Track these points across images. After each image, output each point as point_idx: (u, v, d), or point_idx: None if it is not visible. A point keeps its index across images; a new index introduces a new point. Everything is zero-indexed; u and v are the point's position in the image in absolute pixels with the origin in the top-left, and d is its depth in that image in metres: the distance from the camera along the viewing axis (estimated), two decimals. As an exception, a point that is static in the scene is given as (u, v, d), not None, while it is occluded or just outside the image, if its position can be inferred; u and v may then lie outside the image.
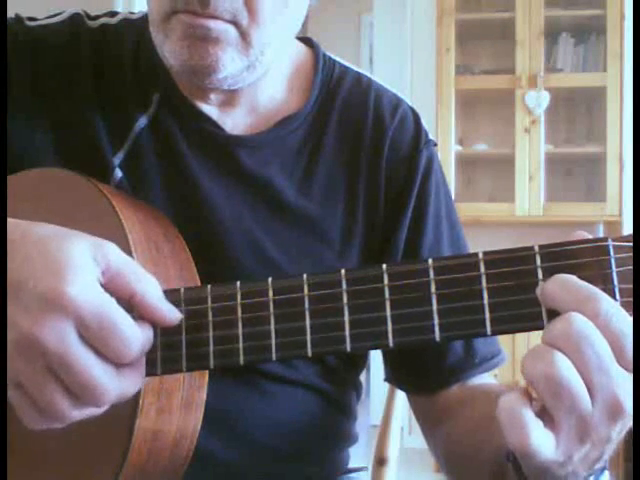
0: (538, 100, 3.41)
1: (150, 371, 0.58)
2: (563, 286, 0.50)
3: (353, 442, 0.92)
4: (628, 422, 0.51)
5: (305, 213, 0.80)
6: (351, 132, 0.84)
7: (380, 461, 1.03)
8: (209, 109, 0.80)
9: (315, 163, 0.82)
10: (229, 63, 0.70)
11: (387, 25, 3.99)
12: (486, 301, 0.52)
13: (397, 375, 0.87)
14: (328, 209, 0.81)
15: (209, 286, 0.59)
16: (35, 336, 0.52)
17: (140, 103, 0.80)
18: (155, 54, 0.76)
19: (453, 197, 0.90)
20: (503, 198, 3.55)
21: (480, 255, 0.53)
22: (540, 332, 0.51)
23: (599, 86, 3.42)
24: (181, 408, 0.66)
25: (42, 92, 0.79)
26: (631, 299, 0.50)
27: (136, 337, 0.55)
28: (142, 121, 0.80)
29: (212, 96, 0.79)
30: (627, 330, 0.49)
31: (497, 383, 0.85)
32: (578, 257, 0.51)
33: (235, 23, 0.69)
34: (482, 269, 0.52)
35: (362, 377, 0.94)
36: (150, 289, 0.57)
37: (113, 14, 0.85)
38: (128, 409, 0.61)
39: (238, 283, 0.58)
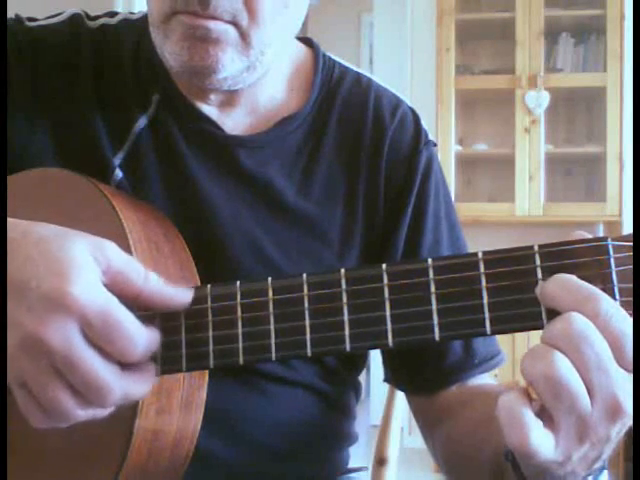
0: (538, 100, 3.41)
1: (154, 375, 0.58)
2: (563, 286, 0.50)
3: (353, 442, 0.92)
4: (627, 422, 0.51)
5: (305, 213, 0.80)
6: (351, 132, 0.84)
7: (380, 461, 1.03)
8: (209, 109, 0.80)
9: (315, 163, 0.82)
10: (229, 64, 0.70)
11: (387, 25, 3.99)
12: (486, 301, 0.52)
13: (396, 376, 0.87)
14: (328, 209, 0.81)
15: (209, 286, 0.59)
16: (39, 336, 0.52)
17: (140, 103, 0.80)
18: (155, 54, 0.76)
19: (453, 197, 0.90)
20: (503, 198, 3.55)
21: (480, 255, 0.53)
22: (540, 332, 0.51)
23: (599, 86, 3.42)
24: (181, 408, 0.66)
25: (42, 92, 0.79)
26: (631, 298, 0.50)
27: (141, 336, 0.55)
28: (142, 121, 0.80)
29: (212, 96, 0.79)
30: (627, 330, 0.49)
31: (496, 383, 0.85)
32: (577, 257, 0.51)
33: (235, 24, 0.69)
34: (482, 269, 0.52)
35: (362, 377, 0.94)
36: (152, 281, 0.57)
37: (113, 14, 0.85)
38: (128, 409, 0.61)
39: (238, 283, 0.58)
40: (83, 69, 0.80)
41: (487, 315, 0.52)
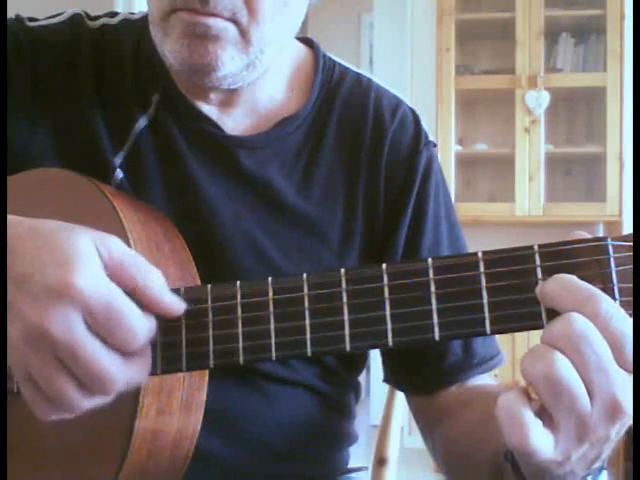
0: (538, 100, 3.41)
1: (150, 371, 0.58)
2: (563, 286, 0.50)
3: (353, 442, 0.92)
4: (627, 422, 0.51)
5: (304, 214, 0.80)
6: (351, 133, 0.84)
7: (380, 461, 1.03)
8: (209, 109, 0.80)
9: (315, 164, 0.82)
10: (228, 61, 0.70)
11: (387, 25, 3.99)
12: (485, 300, 0.52)
13: (396, 376, 0.87)
14: (327, 209, 0.81)
15: (209, 286, 0.59)
16: (44, 327, 0.53)
17: (140, 104, 0.80)
18: (155, 54, 0.76)
19: (453, 197, 0.90)
20: (503, 198, 3.55)
21: (479, 254, 0.53)
22: (540, 332, 0.51)
23: (599, 86, 3.42)
24: (181, 408, 0.66)
25: (42, 92, 0.79)
26: (630, 298, 0.50)
27: (142, 326, 0.55)
28: (142, 122, 0.80)
29: (212, 96, 0.79)
30: (627, 330, 0.49)
31: (496, 383, 0.85)
32: (577, 256, 0.51)
33: (235, 21, 0.69)
34: (481, 268, 0.52)
35: (362, 377, 0.94)
36: (152, 281, 0.57)
37: (113, 14, 0.86)
38: (128, 409, 0.61)
39: (238, 282, 0.58)
40: (83, 69, 0.80)
41: (487, 315, 0.52)
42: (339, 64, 0.88)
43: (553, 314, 0.50)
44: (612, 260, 0.50)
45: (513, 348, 2.93)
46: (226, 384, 0.75)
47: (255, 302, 0.57)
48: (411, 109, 0.88)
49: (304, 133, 0.83)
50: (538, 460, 0.50)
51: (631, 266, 0.50)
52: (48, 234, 0.56)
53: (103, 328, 0.54)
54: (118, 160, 0.78)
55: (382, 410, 1.06)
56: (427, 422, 0.85)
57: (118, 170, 0.78)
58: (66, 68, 0.80)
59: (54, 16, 0.84)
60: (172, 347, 0.58)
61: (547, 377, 0.48)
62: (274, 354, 0.56)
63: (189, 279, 0.69)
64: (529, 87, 3.42)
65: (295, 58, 0.85)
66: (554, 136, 3.57)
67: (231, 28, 0.69)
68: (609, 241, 0.51)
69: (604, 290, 0.50)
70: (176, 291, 0.59)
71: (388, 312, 0.54)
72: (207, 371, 0.68)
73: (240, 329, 0.57)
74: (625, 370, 0.49)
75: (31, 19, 0.83)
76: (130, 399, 0.59)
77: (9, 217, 0.59)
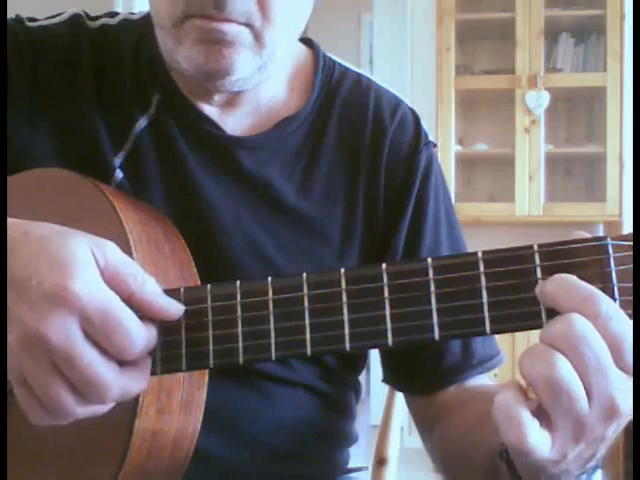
0: (538, 100, 3.40)
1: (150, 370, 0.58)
2: (563, 286, 0.50)
3: (353, 442, 0.92)
4: (623, 422, 0.51)
5: (305, 213, 0.80)
6: (351, 133, 0.84)
7: (380, 461, 1.03)
8: (210, 110, 0.80)
9: (315, 164, 0.82)
10: (243, 65, 0.70)
11: (387, 25, 3.99)
12: (485, 300, 0.52)
13: (395, 376, 0.87)
14: (328, 209, 0.81)
15: (209, 285, 0.59)
16: (40, 332, 0.53)
17: (140, 104, 0.80)
18: (155, 54, 0.76)
19: (453, 197, 0.90)
20: (503, 198, 3.55)
21: (479, 254, 0.53)
22: (539, 331, 0.51)
23: (599, 86, 3.41)
24: (181, 408, 0.66)
25: (42, 93, 0.79)
26: (630, 297, 0.50)
27: (139, 334, 0.55)
28: (142, 122, 0.80)
29: (216, 97, 0.79)
30: (626, 332, 0.48)
31: (495, 384, 0.85)
32: (577, 256, 0.51)
33: (249, 25, 0.69)
34: (481, 268, 0.52)
35: (362, 377, 0.94)
36: (148, 287, 0.57)
37: (113, 14, 0.85)
38: (128, 409, 0.61)
39: (238, 282, 0.58)
40: (83, 69, 0.80)
41: (486, 314, 0.52)
42: (339, 64, 0.88)
43: (553, 314, 0.50)
44: (612, 260, 0.50)
45: (513, 348, 2.93)
46: (226, 384, 0.75)
47: (255, 302, 0.57)
48: (411, 109, 0.88)
49: (304, 133, 0.83)
50: (534, 459, 0.50)
51: (631, 266, 0.50)
52: (43, 238, 0.56)
53: (100, 334, 0.54)
54: (118, 160, 0.78)
55: (382, 410, 1.06)
56: (425, 422, 0.85)
57: (118, 170, 0.78)
58: (66, 68, 0.80)
59: (54, 16, 0.84)
60: (172, 347, 0.58)
61: (547, 378, 0.48)
62: (274, 354, 0.56)
63: (189, 279, 0.69)
64: (529, 87, 3.42)
65: (295, 58, 0.85)
66: (554, 136, 3.56)
67: (245, 32, 0.69)
68: (609, 241, 0.50)
69: (604, 290, 0.50)
70: (176, 291, 0.59)
71: (388, 312, 0.54)
72: (207, 371, 0.68)
73: (240, 329, 0.57)
74: (624, 371, 0.49)
75: (31, 19, 0.83)
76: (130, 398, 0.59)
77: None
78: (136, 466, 0.63)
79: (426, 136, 0.87)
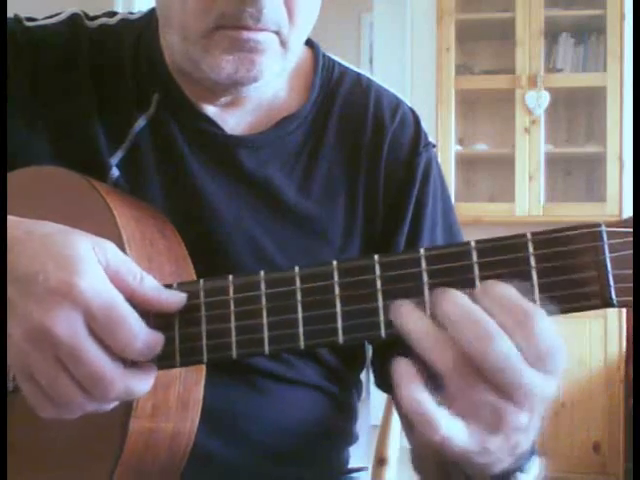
0: (538, 100, 3.40)
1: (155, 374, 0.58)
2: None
3: (353, 442, 0.92)
4: (542, 411, 0.52)
5: (305, 212, 0.80)
6: (351, 132, 0.84)
7: (380, 461, 1.03)
8: (210, 109, 0.80)
9: (315, 163, 0.82)
10: (270, 71, 0.71)
11: (387, 25, 3.98)
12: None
13: (384, 380, 0.87)
14: (328, 209, 0.81)
15: (201, 280, 0.59)
16: (46, 327, 0.53)
17: (139, 103, 0.80)
18: (155, 54, 0.76)
19: (453, 197, 0.90)
20: (503, 198, 3.55)
21: (472, 243, 0.52)
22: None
23: (599, 86, 3.41)
24: (177, 405, 0.66)
25: (40, 92, 0.79)
26: (624, 284, 0.49)
27: (142, 332, 0.55)
28: (141, 121, 0.80)
29: (222, 99, 0.79)
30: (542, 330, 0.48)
31: None
32: (571, 243, 0.50)
33: (278, 32, 0.70)
34: (474, 258, 0.52)
35: (362, 377, 0.94)
36: (147, 283, 0.57)
37: (112, 14, 0.85)
38: (123, 405, 0.61)
39: (230, 277, 0.58)
40: (82, 69, 0.80)
41: None
42: (339, 64, 0.88)
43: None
44: (606, 247, 0.50)
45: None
46: (225, 383, 0.76)
47: (248, 296, 0.57)
48: (411, 109, 0.88)
49: (304, 132, 0.83)
50: (457, 451, 0.50)
51: (625, 252, 0.49)
52: (47, 236, 0.57)
53: (104, 330, 0.54)
54: (115, 159, 0.78)
55: (382, 410, 1.05)
56: (407, 425, 0.85)
57: (114, 168, 0.78)
58: (64, 68, 0.80)
59: (52, 16, 0.84)
60: (165, 343, 0.58)
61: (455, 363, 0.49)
62: (267, 348, 0.56)
63: (185, 275, 0.69)
64: (529, 87, 3.42)
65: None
66: (554, 136, 3.56)
67: (275, 39, 0.70)
68: (603, 227, 0.50)
69: (598, 277, 0.49)
70: (168, 287, 0.59)
71: (381, 304, 0.54)
72: (204, 368, 0.68)
73: (233, 323, 0.57)
74: (534, 365, 0.49)
75: (29, 19, 0.83)
76: None
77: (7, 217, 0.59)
78: (132, 463, 0.63)
79: (426, 137, 0.87)
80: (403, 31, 3.75)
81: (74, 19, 0.83)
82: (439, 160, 0.90)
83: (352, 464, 0.92)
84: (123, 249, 0.63)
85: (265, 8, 0.67)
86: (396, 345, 0.81)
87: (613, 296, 0.49)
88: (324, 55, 0.87)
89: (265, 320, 0.56)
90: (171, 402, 0.65)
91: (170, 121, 0.80)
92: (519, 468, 0.58)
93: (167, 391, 0.65)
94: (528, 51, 3.43)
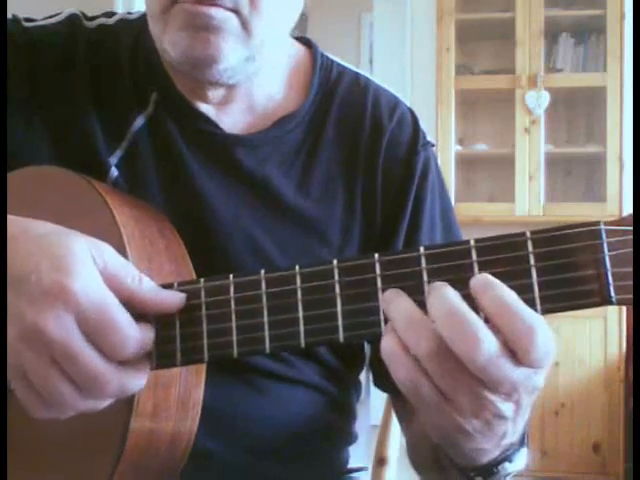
0: (538, 100, 3.40)
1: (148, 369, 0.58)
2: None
3: (353, 441, 0.92)
4: (525, 402, 0.52)
5: (303, 212, 0.81)
6: (349, 131, 0.84)
7: (380, 461, 1.03)
8: (207, 108, 0.80)
9: (313, 162, 0.82)
10: (230, 53, 0.70)
11: (387, 25, 3.98)
12: None
13: (382, 380, 0.87)
14: (326, 208, 0.81)
15: (202, 280, 0.59)
16: (39, 327, 0.53)
17: (138, 103, 0.80)
18: (153, 54, 0.76)
19: (453, 197, 0.90)
20: (503, 198, 3.55)
21: (472, 242, 0.52)
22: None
23: (599, 86, 3.41)
24: (178, 404, 0.66)
25: (39, 93, 0.79)
26: (624, 282, 0.49)
27: (133, 335, 0.55)
28: (140, 121, 0.80)
29: (210, 94, 0.79)
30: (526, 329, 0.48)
31: None
32: (570, 242, 0.50)
33: (236, 11, 0.69)
34: (474, 256, 0.52)
35: (362, 377, 0.94)
36: (145, 284, 0.57)
37: (110, 14, 0.85)
38: (124, 404, 0.61)
39: (231, 276, 0.58)
40: (80, 69, 0.80)
41: None
42: (337, 63, 0.88)
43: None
44: (605, 245, 0.50)
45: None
46: (225, 382, 0.76)
47: (248, 295, 0.57)
48: (409, 109, 0.88)
49: (302, 131, 0.83)
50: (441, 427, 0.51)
51: (624, 250, 0.49)
52: (42, 236, 0.57)
53: (95, 332, 0.54)
54: (114, 159, 0.78)
55: (382, 410, 1.05)
56: (404, 422, 0.86)
57: (113, 168, 0.78)
58: (62, 68, 0.80)
59: (51, 16, 0.84)
60: (166, 342, 0.58)
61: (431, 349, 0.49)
62: (268, 346, 0.56)
63: (184, 275, 0.69)
64: (529, 87, 3.42)
65: (293, 57, 0.85)
66: (554, 136, 3.56)
67: (233, 19, 0.69)
68: (602, 226, 0.50)
69: (597, 275, 0.49)
70: (169, 286, 0.59)
71: (381, 302, 0.54)
72: (204, 368, 0.68)
73: (234, 322, 0.57)
74: (522, 364, 0.49)
75: (28, 19, 0.83)
76: None
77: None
78: (133, 462, 0.63)
79: (424, 136, 0.87)
80: (403, 31, 3.75)
81: (72, 19, 0.83)
82: (439, 160, 0.90)
83: (352, 464, 0.92)
84: (123, 248, 0.64)
85: None
86: None
87: (612, 294, 0.49)
88: (322, 55, 0.87)
89: (266, 319, 0.56)
90: (171, 402, 0.65)
91: (168, 120, 0.80)
92: (507, 458, 0.59)
93: (168, 391, 0.65)
94: (528, 51, 3.43)
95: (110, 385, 0.55)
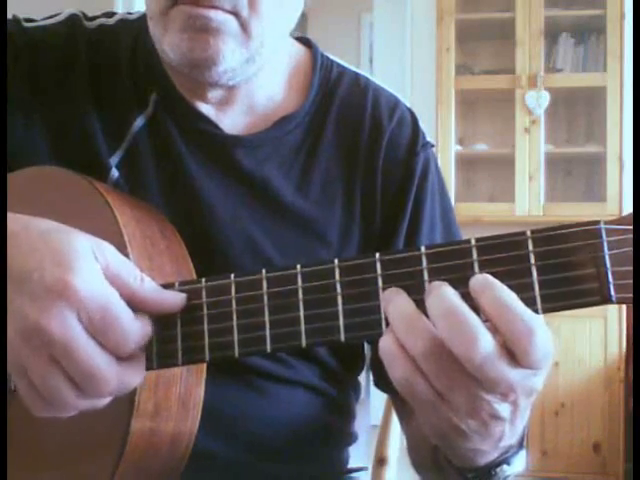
0: (538, 100, 3.40)
1: (146, 365, 0.58)
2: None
3: (353, 442, 0.92)
4: (523, 404, 0.52)
5: (302, 212, 0.80)
6: (349, 132, 0.84)
7: (380, 461, 1.03)
8: (207, 109, 0.80)
9: (313, 163, 0.82)
10: (229, 55, 0.70)
11: (387, 25, 3.98)
12: None
13: (383, 380, 0.87)
14: (326, 209, 0.81)
15: (203, 279, 0.59)
16: (41, 324, 0.53)
17: (138, 103, 0.80)
18: (152, 54, 0.76)
19: (453, 197, 0.90)
20: (503, 198, 3.55)
21: (472, 241, 0.52)
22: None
23: (599, 86, 3.41)
24: (178, 404, 0.66)
25: (39, 93, 0.79)
26: (624, 281, 0.49)
27: (135, 331, 0.55)
28: (139, 121, 0.80)
29: (209, 95, 0.79)
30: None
31: None
32: (570, 241, 0.50)
33: (235, 14, 0.69)
34: (474, 255, 0.52)
35: (362, 377, 0.94)
36: (146, 284, 0.57)
37: (110, 15, 0.85)
38: (125, 404, 0.61)
39: (232, 275, 0.58)
40: (80, 69, 0.80)
41: None
42: (337, 63, 0.88)
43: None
44: (605, 244, 0.50)
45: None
46: (225, 383, 0.76)
47: (249, 295, 0.57)
48: (409, 109, 0.88)
49: (302, 132, 0.82)
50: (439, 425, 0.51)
51: (624, 249, 0.49)
52: (44, 233, 0.56)
53: (97, 329, 0.54)
54: (114, 160, 0.78)
55: (382, 410, 1.05)
56: (403, 423, 0.86)
57: (114, 169, 0.78)
58: (62, 69, 0.80)
59: (52, 16, 0.84)
60: (167, 341, 0.58)
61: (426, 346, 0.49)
62: (269, 346, 0.56)
63: (185, 275, 0.69)
64: (529, 87, 3.42)
65: (293, 58, 0.85)
66: (554, 136, 3.56)
67: (232, 21, 0.69)
68: (602, 225, 0.50)
69: (597, 274, 0.49)
70: (170, 286, 0.59)
71: (382, 302, 0.54)
72: (205, 368, 0.68)
73: (235, 322, 0.57)
74: (521, 366, 0.48)
75: (28, 20, 0.83)
76: (127, 394, 0.59)
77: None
78: (134, 462, 0.63)
79: (424, 137, 0.86)
80: (403, 31, 3.75)
81: (73, 20, 0.83)
82: (439, 160, 0.90)
83: (352, 464, 0.92)
84: (124, 248, 0.64)
85: None
86: None
87: (612, 293, 0.49)
88: (322, 55, 0.87)
89: (267, 318, 0.56)
90: (172, 402, 0.65)
91: (168, 121, 0.80)
92: (505, 461, 0.59)
93: (168, 391, 0.65)
94: (528, 51, 3.43)
95: (110, 384, 0.55)
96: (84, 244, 0.56)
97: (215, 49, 0.69)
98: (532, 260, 0.51)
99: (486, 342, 0.48)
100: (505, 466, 0.59)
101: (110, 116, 0.79)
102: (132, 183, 0.78)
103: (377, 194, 0.83)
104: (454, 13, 3.49)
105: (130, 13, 0.86)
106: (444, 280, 0.52)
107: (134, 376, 0.57)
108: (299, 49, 0.87)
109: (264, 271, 0.57)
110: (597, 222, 0.50)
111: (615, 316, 3.16)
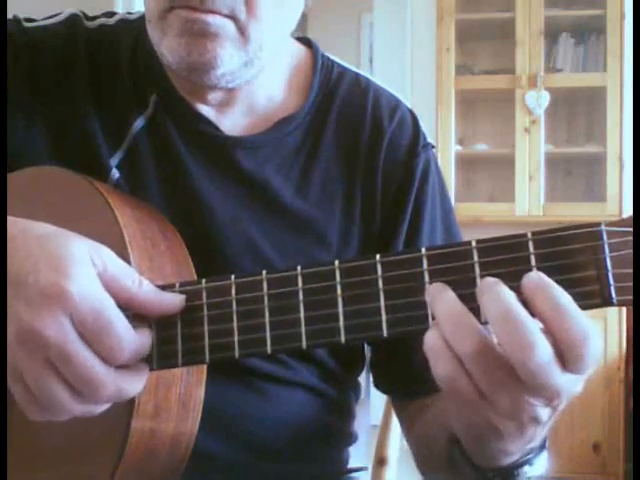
0: (538, 100, 3.40)
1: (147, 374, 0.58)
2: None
3: (353, 442, 0.92)
4: (561, 406, 0.52)
5: (302, 214, 0.80)
6: (349, 133, 0.83)
7: (380, 461, 1.03)
8: (207, 110, 0.80)
9: (313, 164, 0.82)
10: (228, 59, 0.70)
11: (387, 25, 3.98)
12: None
13: (383, 382, 0.87)
14: (325, 210, 0.81)
15: (204, 280, 0.59)
16: (36, 329, 0.53)
17: (138, 104, 0.80)
18: (153, 55, 0.76)
19: (453, 197, 0.90)
20: (503, 198, 3.54)
21: (473, 243, 0.52)
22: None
23: (599, 86, 3.41)
24: (178, 405, 0.66)
25: (39, 93, 0.79)
26: (624, 284, 0.49)
27: (129, 339, 0.55)
28: (139, 122, 0.79)
29: (209, 96, 0.79)
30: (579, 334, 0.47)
31: None
32: (571, 243, 0.50)
33: (233, 18, 0.69)
34: (475, 257, 0.52)
35: (362, 377, 0.94)
36: (145, 287, 0.57)
37: (111, 14, 0.85)
38: (125, 406, 0.61)
39: (232, 277, 0.58)
40: (80, 70, 0.80)
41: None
42: (338, 64, 0.88)
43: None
44: (606, 246, 0.50)
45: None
46: (225, 384, 0.75)
47: (250, 296, 0.57)
48: (409, 110, 0.88)
49: (302, 133, 0.82)
50: (470, 421, 0.51)
51: (625, 251, 0.49)
52: (42, 237, 0.57)
53: (90, 335, 0.54)
54: (115, 160, 0.78)
55: (382, 410, 1.05)
56: (407, 422, 0.86)
57: (114, 170, 0.78)
58: (63, 69, 0.80)
59: (52, 16, 0.84)
60: (168, 342, 0.58)
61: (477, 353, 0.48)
62: (269, 348, 0.56)
63: (186, 276, 0.69)
64: (529, 87, 3.41)
65: (293, 58, 0.85)
66: (554, 136, 3.56)
67: (230, 25, 0.69)
68: (603, 227, 0.50)
69: (598, 276, 0.49)
70: (170, 287, 0.59)
71: (382, 303, 0.54)
72: (205, 369, 0.68)
73: (235, 323, 0.57)
74: (568, 369, 0.48)
75: (28, 20, 0.83)
76: None
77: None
78: (134, 463, 0.63)
79: (424, 138, 0.86)
80: (403, 31, 3.75)
81: (73, 19, 0.83)
82: (439, 160, 0.90)
83: (352, 464, 0.92)
84: (125, 249, 0.64)
85: None
86: (396, 345, 0.82)
87: (613, 295, 0.49)
88: (323, 55, 0.87)
89: (267, 320, 0.56)
90: (172, 402, 0.65)
91: (168, 122, 0.80)
92: (528, 462, 0.59)
93: (168, 392, 0.65)
94: (528, 51, 3.43)
95: (106, 389, 0.55)
96: (81, 249, 0.56)
97: (213, 53, 0.69)
98: (533, 262, 0.51)
99: (544, 349, 0.47)
100: (527, 467, 0.59)
101: (110, 116, 0.79)
102: (132, 184, 0.78)
103: (377, 195, 0.83)
104: (454, 13, 3.49)
105: (130, 13, 0.86)
106: (445, 282, 0.52)
107: (132, 384, 0.57)
108: (300, 49, 0.87)
109: (264, 272, 0.57)
110: (598, 224, 0.50)
111: (615, 317, 3.16)
